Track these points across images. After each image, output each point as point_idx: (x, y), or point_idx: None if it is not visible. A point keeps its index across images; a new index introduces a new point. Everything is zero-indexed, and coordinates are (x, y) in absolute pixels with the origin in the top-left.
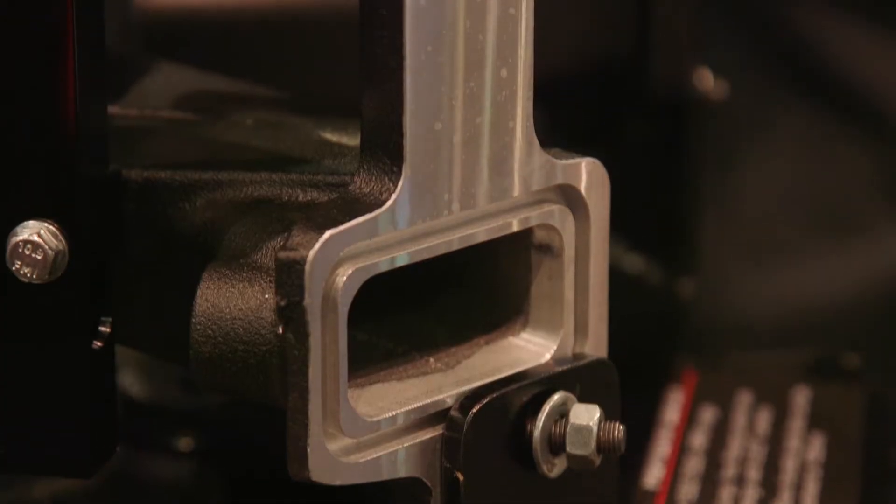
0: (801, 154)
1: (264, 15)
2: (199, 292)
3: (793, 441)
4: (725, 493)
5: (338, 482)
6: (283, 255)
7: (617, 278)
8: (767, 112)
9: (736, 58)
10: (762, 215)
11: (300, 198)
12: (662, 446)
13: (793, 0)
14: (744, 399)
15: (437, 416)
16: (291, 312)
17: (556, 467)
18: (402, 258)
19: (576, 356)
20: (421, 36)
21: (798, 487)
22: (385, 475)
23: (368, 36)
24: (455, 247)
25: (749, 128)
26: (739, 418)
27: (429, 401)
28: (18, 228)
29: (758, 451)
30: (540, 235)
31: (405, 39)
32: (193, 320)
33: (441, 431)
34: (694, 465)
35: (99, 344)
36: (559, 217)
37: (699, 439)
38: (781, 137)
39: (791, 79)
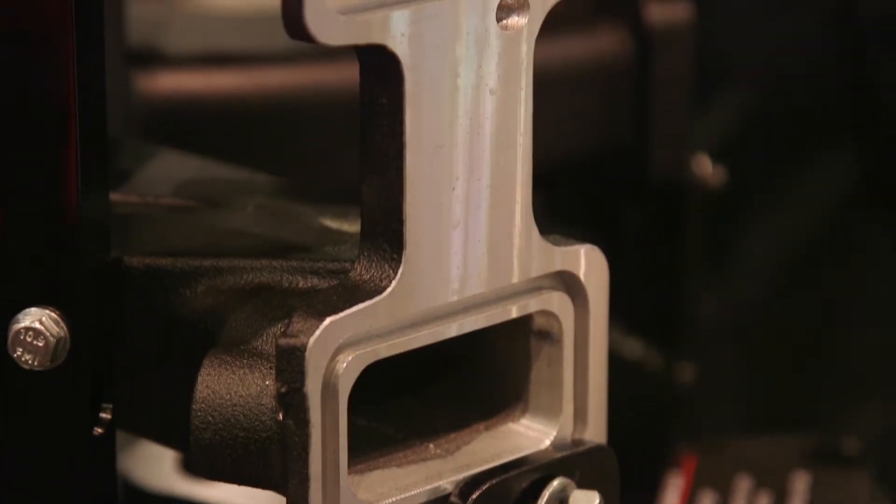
0: (800, 239)
1: (265, 102)
2: (199, 378)
3: None
4: None
5: None
6: (283, 341)
7: (616, 363)
8: (765, 198)
9: (734, 144)
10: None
11: (301, 284)
12: None
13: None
14: (743, 484)
15: (436, 502)
16: (292, 399)
17: None
18: (401, 345)
19: (575, 442)
20: (420, 124)
21: None
22: None
23: (368, 124)
24: (454, 333)
25: (747, 213)
26: None
27: (428, 487)
28: (20, 315)
29: None
30: (539, 322)
31: (405, 128)
32: (194, 406)
33: None
34: None
35: (100, 430)
36: (558, 303)
37: None
38: (780, 223)
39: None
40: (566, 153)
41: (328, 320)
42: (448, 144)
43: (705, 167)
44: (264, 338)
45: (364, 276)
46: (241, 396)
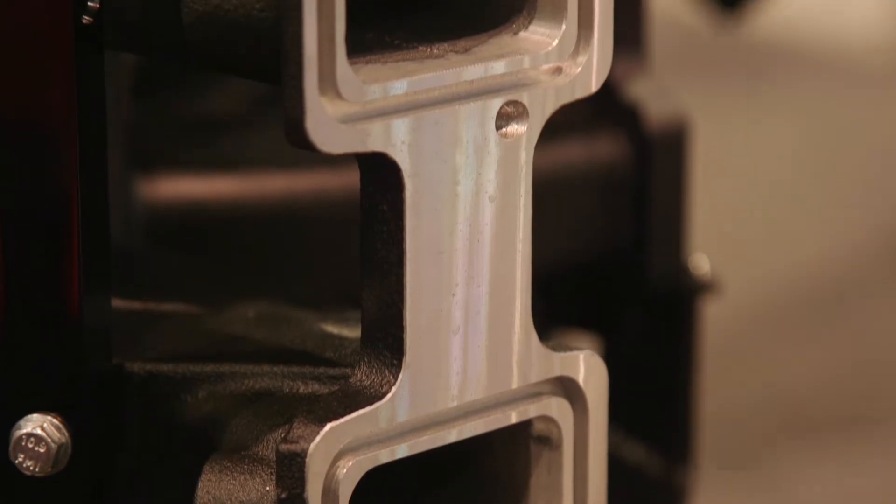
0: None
1: (266, 207)
2: (200, 484)
3: None
4: None
5: None
6: (284, 447)
7: (616, 467)
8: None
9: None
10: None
11: (301, 390)
12: None
13: None
14: None
15: None
16: None
17: None
18: (401, 450)
19: None
20: (421, 231)
21: None
22: None
23: (369, 230)
24: (454, 439)
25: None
26: None
27: None
28: (22, 422)
29: None
30: (539, 427)
31: (405, 235)
32: None
33: None
34: None
35: None
36: (557, 409)
37: None
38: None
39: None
40: (565, 258)
41: (329, 426)
42: (448, 251)
43: (703, 267)
44: (265, 444)
45: (364, 382)
46: (242, 502)
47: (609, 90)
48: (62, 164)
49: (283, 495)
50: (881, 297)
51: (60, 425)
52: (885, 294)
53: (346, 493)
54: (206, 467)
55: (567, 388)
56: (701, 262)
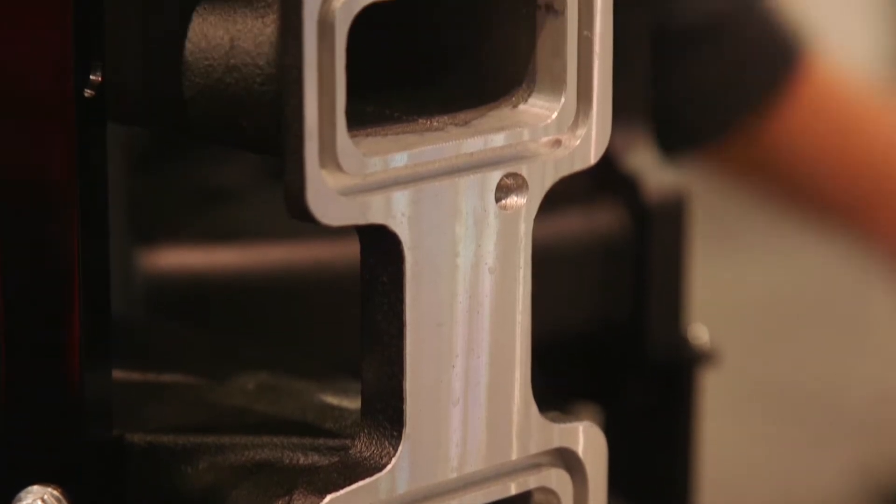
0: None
1: (266, 278)
2: None
3: None
4: None
5: None
6: None
7: None
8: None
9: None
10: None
11: (301, 461)
12: None
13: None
14: None
15: None
16: None
17: None
18: None
19: None
20: (421, 303)
21: None
22: None
23: (369, 302)
24: None
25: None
26: None
27: None
28: (22, 493)
29: None
30: (538, 498)
31: (405, 306)
32: None
33: None
34: None
35: None
36: (557, 481)
37: None
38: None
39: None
40: (564, 328)
41: (328, 498)
42: (448, 322)
43: (702, 337)
44: None
45: (364, 454)
46: None
47: (608, 161)
48: (63, 235)
49: None
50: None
51: (61, 497)
52: None
53: None
54: None
55: (566, 459)
56: (700, 332)
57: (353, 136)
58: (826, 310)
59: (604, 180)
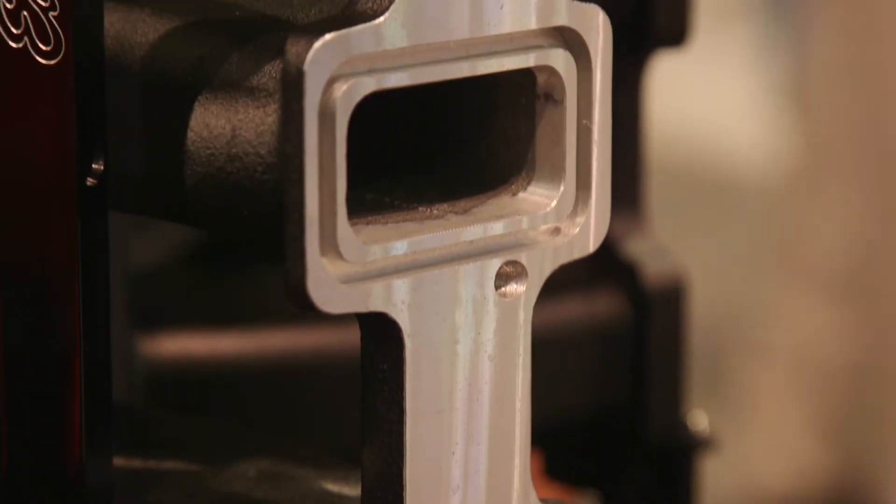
0: None
1: (266, 364)
2: None
3: None
4: None
5: None
6: None
7: None
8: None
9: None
10: None
11: None
12: None
13: None
14: None
15: None
16: None
17: None
18: None
19: None
20: (421, 390)
21: None
22: None
23: (369, 389)
24: None
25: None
26: None
27: None
28: None
29: None
30: None
31: (405, 394)
32: None
33: None
34: None
35: None
36: None
37: None
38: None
39: None
40: (564, 414)
41: None
42: (448, 409)
43: (702, 422)
44: None
45: None
46: None
47: (607, 248)
48: (65, 321)
49: None
50: None
51: None
52: None
53: None
54: None
55: None
56: (699, 418)
57: (353, 225)
58: None
59: (602, 266)
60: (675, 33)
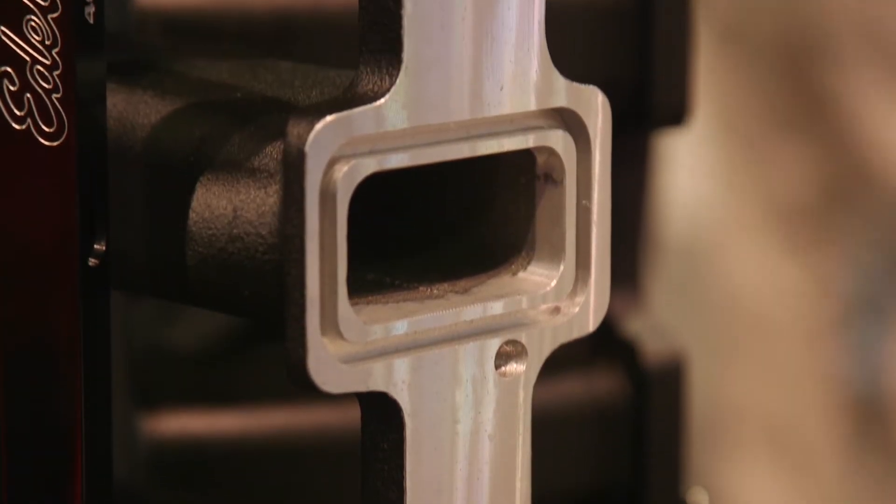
0: None
1: (267, 444)
2: None
3: None
4: None
5: None
6: None
7: None
8: None
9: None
10: None
11: None
12: None
13: None
14: None
15: None
16: None
17: None
18: None
19: None
20: (420, 470)
21: None
22: None
23: (369, 469)
24: None
25: None
26: None
27: None
28: None
29: None
30: None
31: (405, 474)
32: None
33: None
34: None
35: None
36: None
37: None
38: None
39: None
40: (563, 493)
41: None
42: (448, 490)
43: (702, 500)
44: None
45: None
46: None
47: (606, 326)
48: (66, 401)
49: None
50: None
51: None
52: None
53: None
54: None
55: None
56: (700, 496)
57: (353, 304)
58: None
59: (602, 345)
60: (675, 113)
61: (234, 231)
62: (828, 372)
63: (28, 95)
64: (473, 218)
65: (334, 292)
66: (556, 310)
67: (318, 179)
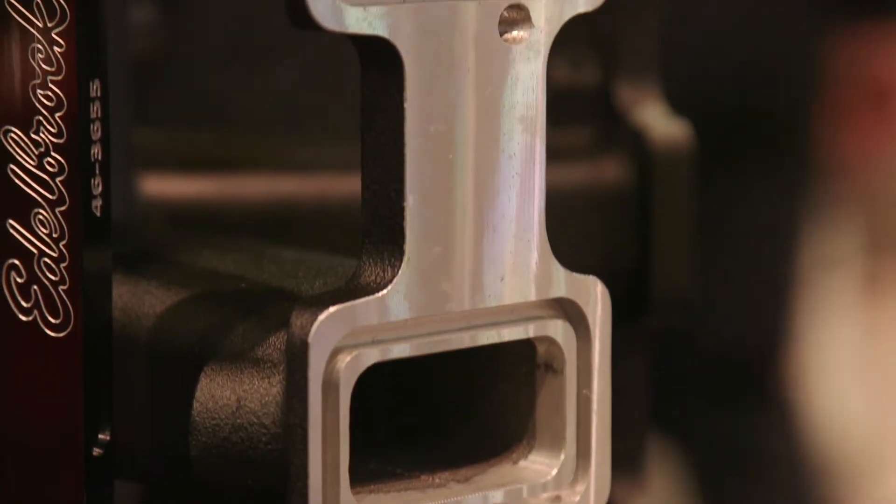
0: None
1: None
2: None
3: None
4: None
5: None
6: None
7: None
8: None
9: None
10: None
11: None
12: None
13: None
14: None
15: None
16: None
17: None
18: None
19: None
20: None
21: None
22: None
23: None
24: None
25: None
26: None
27: None
28: None
29: None
30: None
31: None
32: None
33: None
34: None
35: None
36: None
37: None
38: None
39: None
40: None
41: None
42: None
43: None
44: None
45: None
46: None
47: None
48: None
49: None
50: None
51: None
52: None
53: None
54: None
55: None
56: None
57: (356, 494)
58: None
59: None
60: (677, 301)
61: (238, 421)
62: None
63: (35, 287)
64: (475, 406)
65: (336, 482)
66: (557, 498)
67: (321, 370)
